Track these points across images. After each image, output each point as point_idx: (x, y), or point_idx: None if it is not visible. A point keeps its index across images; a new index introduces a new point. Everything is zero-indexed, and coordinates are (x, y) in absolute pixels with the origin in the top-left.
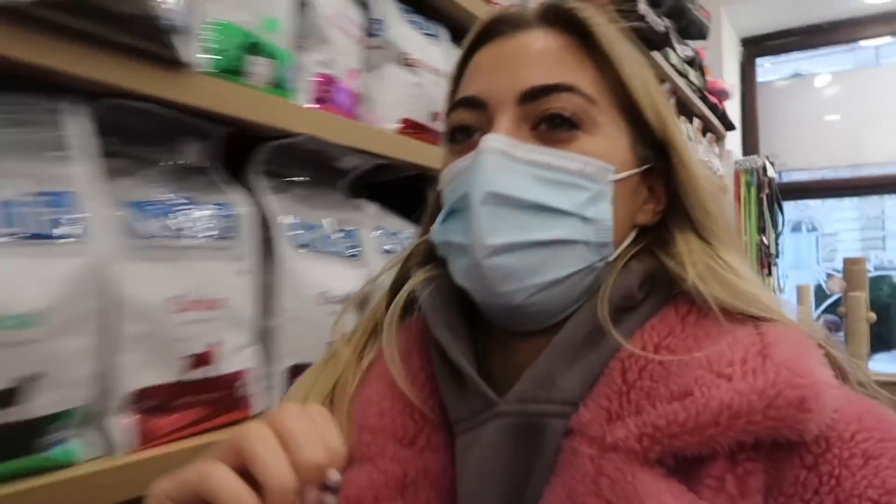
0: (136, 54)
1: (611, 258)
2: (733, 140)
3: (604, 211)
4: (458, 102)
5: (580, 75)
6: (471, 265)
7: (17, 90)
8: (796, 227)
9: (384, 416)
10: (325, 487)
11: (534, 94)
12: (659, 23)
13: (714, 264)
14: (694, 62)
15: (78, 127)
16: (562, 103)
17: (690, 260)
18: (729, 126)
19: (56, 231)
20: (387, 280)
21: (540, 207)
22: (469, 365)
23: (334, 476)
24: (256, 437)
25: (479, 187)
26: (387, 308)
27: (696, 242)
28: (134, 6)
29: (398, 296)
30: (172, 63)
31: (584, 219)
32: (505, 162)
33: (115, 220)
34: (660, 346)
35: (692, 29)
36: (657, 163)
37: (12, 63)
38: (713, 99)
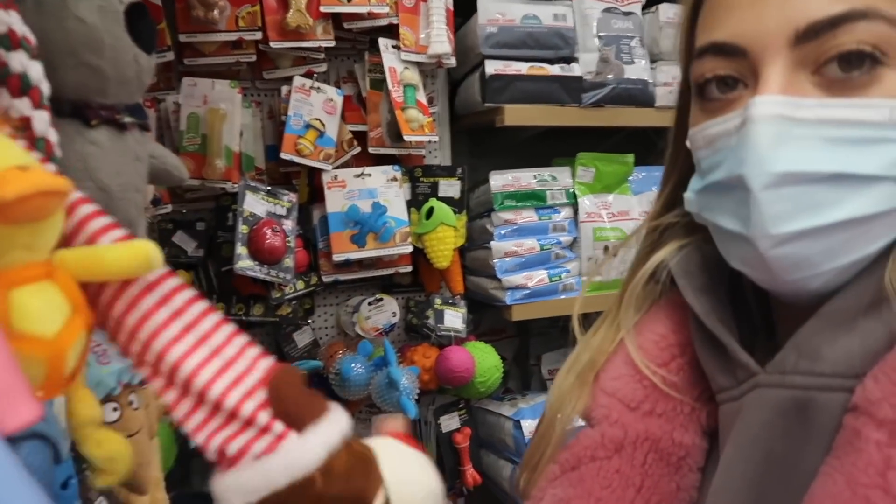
0: None
1: None
2: None
3: None
4: (705, 50)
5: None
6: (752, 256)
7: None
8: None
9: (618, 380)
10: None
11: (815, 31)
12: None
13: None
14: None
15: None
16: (857, 35)
17: None
18: None
19: None
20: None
21: (840, 177)
22: (729, 332)
23: None
24: None
25: (757, 168)
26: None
27: None
28: None
29: (644, 268)
30: None
31: None
32: (787, 128)
33: None
34: None
35: None
36: None
37: None
38: None
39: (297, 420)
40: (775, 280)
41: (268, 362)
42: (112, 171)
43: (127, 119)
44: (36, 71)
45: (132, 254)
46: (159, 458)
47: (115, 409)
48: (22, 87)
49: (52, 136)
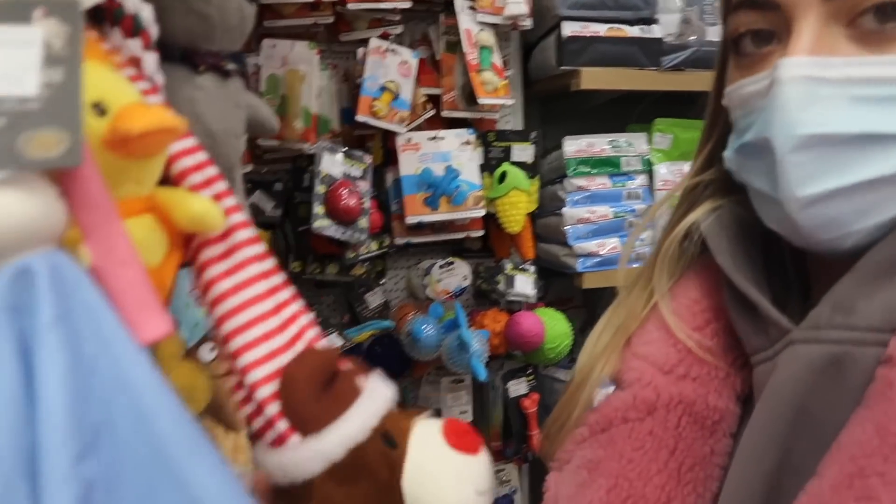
0: None
1: None
2: None
3: None
4: (739, 3)
5: None
6: (783, 217)
7: None
8: None
9: (651, 345)
10: None
11: None
12: None
13: None
14: None
15: None
16: None
17: None
18: None
19: None
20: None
21: (868, 137)
22: (760, 291)
23: None
24: None
25: (783, 131)
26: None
27: None
28: None
29: (676, 229)
30: None
31: None
32: (813, 89)
33: None
34: None
35: None
36: None
37: None
38: None
39: (301, 423)
40: (808, 240)
41: (302, 342)
42: (217, 116)
43: (230, 66)
44: (147, 13)
45: (192, 211)
46: None
47: (212, 349)
48: (134, 27)
49: (159, 79)
